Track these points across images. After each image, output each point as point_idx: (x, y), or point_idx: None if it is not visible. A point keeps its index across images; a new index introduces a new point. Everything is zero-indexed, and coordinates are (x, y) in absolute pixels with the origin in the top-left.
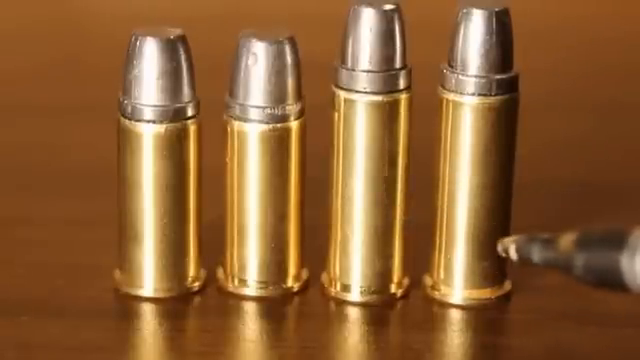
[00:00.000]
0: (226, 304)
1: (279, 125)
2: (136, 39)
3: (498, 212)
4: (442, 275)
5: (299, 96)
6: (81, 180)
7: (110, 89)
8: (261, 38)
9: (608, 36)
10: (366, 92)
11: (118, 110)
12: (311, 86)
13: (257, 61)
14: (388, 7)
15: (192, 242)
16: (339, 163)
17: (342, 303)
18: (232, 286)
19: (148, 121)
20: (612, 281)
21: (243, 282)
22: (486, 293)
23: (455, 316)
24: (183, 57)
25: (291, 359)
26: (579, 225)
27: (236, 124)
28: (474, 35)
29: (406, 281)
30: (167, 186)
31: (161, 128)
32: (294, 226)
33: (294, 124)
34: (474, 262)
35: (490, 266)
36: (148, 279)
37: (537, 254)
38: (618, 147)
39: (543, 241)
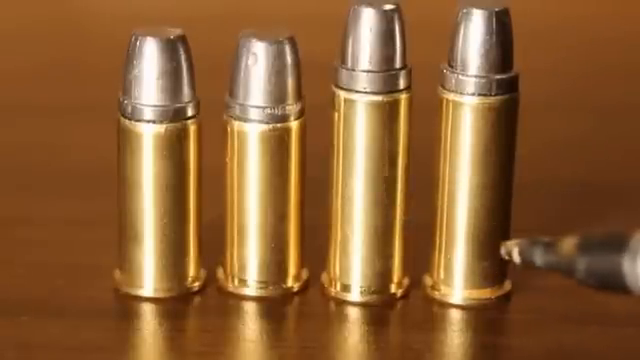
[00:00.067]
0: (226, 304)
1: (279, 125)
2: (136, 39)
3: (498, 212)
4: (442, 275)
5: (299, 96)
6: (81, 180)
7: (110, 89)
8: (261, 38)
9: (608, 36)
10: (366, 92)
11: (118, 110)
12: (311, 86)
13: (257, 61)
14: (388, 7)
15: (192, 242)
16: (339, 163)
17: (342, 303)
18: (232, 286)
19: (148, 121)
20: (614, 284)
21: (243, 282)
22: (486, 293)
23: (455, 316)
24: (183, 57)
25: (291, 359)
26: (579, 225)
27: (236, 124)
28: (474, 35)
29: (406, 281)
30: (167, 186)
31: (161, 128)
32: (294, 226)
33: (294, 124)
34: (474, 262)
35: (490, 266)
36: (148, 279)
37: (540, 258)
38: (618, 147)
39: (545, 245)
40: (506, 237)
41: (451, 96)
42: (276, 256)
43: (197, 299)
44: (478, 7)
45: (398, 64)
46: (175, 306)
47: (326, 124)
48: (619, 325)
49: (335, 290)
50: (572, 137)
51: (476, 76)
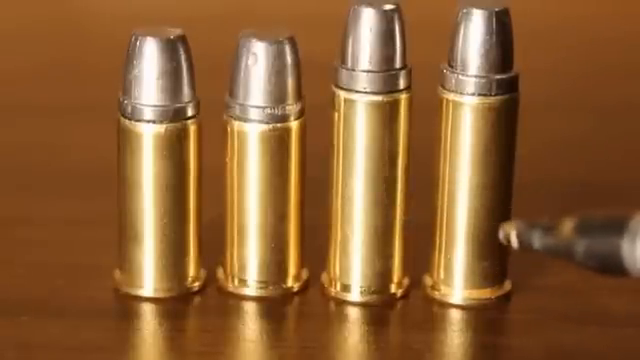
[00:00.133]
0: (226, 304)
1: (279, 125)
2: (136, 39)
3: (498, 212)
4: (442, 275)
5: (299, 96)
6: (81, 180)
7: (110, 89)
8: (261, 38)
9: (608, 36)
10: (366, 92)
11: (118, 110)
12: (311, 86)
13: (257, 61)
14: (388, 7)
15: (192, 242)
16: (339, 163)
17: (342, 303)
18: (232, 286)
19: (148, 121)
20: (613, 266)
21: (243, 282)
22: (486, 293)
23: (455, 316)
24: (183, 57)
25: (291, 359)
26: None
27: (236, 124)
28: (474, 35)
29: (406, 281)
30: (167, 186)
31: (161, 128)
32: (294, 226)
33: (294, 124)
34: (474, 262)
35: (490, 266)
36: (148, 279)
37: (538, 241)
38: (618, 147)
39: (544, 228)
40: None
41: (451, 96)
42: (276, 256)
43: (197, 299)
44: (478, 7)
45: (398, 64)
46: (175, 306)
47: (326, 124)
48: (619, 325)
49: (335, 290)
50: (572, 137)
51: (476, 76)
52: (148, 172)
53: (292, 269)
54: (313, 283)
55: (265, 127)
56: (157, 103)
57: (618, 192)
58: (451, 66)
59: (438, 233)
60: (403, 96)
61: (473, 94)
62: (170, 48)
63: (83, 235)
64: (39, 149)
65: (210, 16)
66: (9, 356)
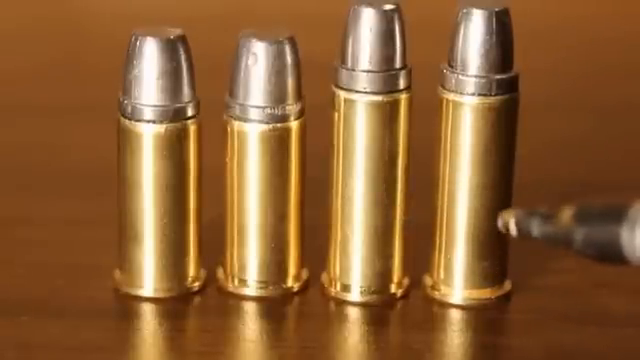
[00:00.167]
0: (226, 304)
1: (279, 125)
2: (136, 39)
3: (498, 212)
4: (442, 275)
5: (299, 96)
6: (81, 180)
7: (110, 89)
8: (261, 38)
9: (608, 36)
10: (366, 92)
11: (118, 110)
12: (311, 86)
13: (257, 61)
14: (388, 7)
15: (192, 242)
16: (339, 163)
17: (342, 303)
18: (232, 286)
19: (148, 121)
20: (612, 254)
21: (243, 282)
22: (486, 293)
23: (455, 316)
24: (183, 57)
25: (291, 359)
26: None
27: (236, 124)
28: (474, 35)
29: (406, 281)
30: (167, 186)
31: (161, 128)
32: (294, 226)
33: (294, 124)
34: (474, 262)
35: (490, 266)
36: (148, 279)
37: (537, 228)
38: (618, 147)
39: (543, 215)
40: (506, 237)
41: (451, 96)
42: (276, 256)
43: (197, 299)
44: (478, 7)
45: (398, 64)
46: (175, 306)
47: (326, 124)
48: (619, 325)
49: (335, 290)
50: (572, 137)
51: (476, 76)
52: (148, 172)
53: (292, 269)
54: (313, 283)
55: (265, 127)
56: (157, 103)
57: (618, 192)
58: (451, 66)
59: (438, 233)
60: (403, 96)
61: (473, 94)
62: (170, 48)
63: (83, 235)
64: (39, 149)
65: (210, 16)
66: (9, 356)
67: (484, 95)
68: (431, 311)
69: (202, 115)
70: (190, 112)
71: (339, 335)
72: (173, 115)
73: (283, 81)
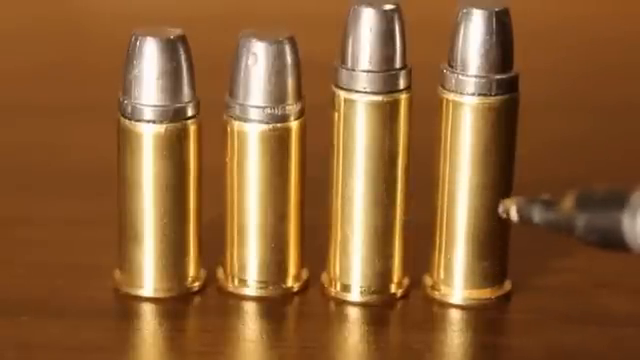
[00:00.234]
0: (226, 304)
1: (279, 125)
2: (136, 39)
3: (498, 212)
4: (442, 275)
5: (299, 96)
6: (81, 180)
7: (110, 89)
8: (261, 38)
9: (608, 36)
10: (366, 92)
11: (118, 110)
12: (311, 86)
13: (257, 61)
14: (388, 7)
15: (192, 242)
16: (339, 163)
17: (342, 303)
18: (232, 286)
19: (148, 121)
20: (613, 241)
21: (243, 282)
22: (486, 293)
23: (455, 316)
24: (183, 57)
25: (291, 359)
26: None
27: (236, 124)
28: (474, 35)
29: (406, 281)
30: (167, 186)
31: (161, 128)
32: (294, 226)
33: (294, 124)
34: (474, 262)
35: (490, 266)
36: (148, 279)
37: (538, 215)
38: (618, 147)
39: (544, 202)
40: (506, 237)
41: (451, 96)
42: (276, 256)
43: (197, 299)
44: (478, 7)
45: (398, 64)
46: (175, 306)
47: (326, 124)
48: (619, 325)
49: (335, 290)
50: (572, 137)
51: (476, 76)
52: (148, 172)
53: (292, 269)
54: (313, 283)
55: (265, 127)
56: (157, 103)
57: None
58: (451, 66)
59: (438, 233)
60: (403, 96)
61: (473, 94)
62: (170, 48)
63: (83, 235)
64: (39, 149)
65: (210, 16)
66: (9, 356)
67: (484, 95)
68: (431, 311)
69: (202, 115)
70: (190, 112)
71: (339, 335)
72: (173, 115)
73: (283, 81)
